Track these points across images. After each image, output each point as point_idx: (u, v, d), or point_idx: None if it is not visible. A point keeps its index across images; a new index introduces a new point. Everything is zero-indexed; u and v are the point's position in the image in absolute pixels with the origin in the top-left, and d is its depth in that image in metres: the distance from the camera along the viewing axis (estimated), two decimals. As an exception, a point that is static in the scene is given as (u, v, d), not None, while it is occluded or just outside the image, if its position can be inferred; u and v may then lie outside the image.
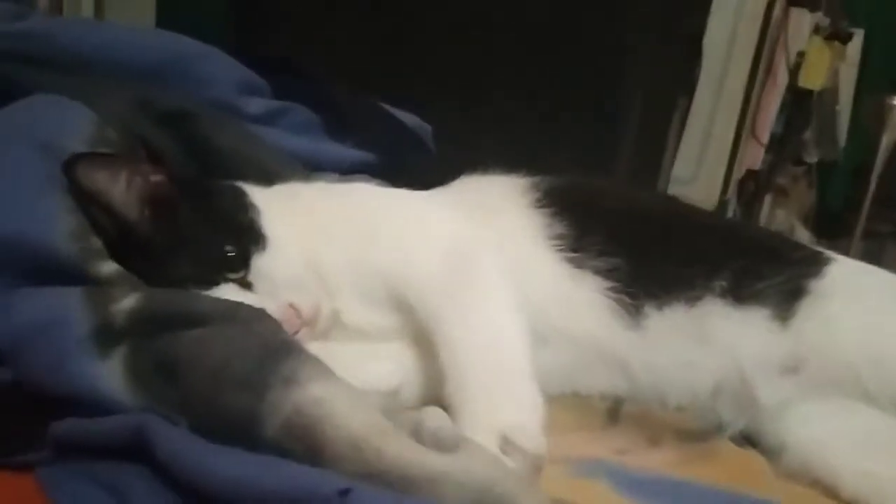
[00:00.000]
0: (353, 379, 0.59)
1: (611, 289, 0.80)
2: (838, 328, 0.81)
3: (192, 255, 0.70)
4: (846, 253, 0.92)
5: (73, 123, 0.75)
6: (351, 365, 0.66)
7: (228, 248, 0.71)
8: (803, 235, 3.08)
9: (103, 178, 0.68)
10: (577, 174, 0.92)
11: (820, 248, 0.92)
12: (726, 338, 0.80)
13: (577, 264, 0.81)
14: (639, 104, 1.55)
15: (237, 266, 0.71)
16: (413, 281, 0.74)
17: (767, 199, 2.91)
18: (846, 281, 0.85)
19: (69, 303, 0.60)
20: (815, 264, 0.86)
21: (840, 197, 3.14)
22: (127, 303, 0.61)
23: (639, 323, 0.80)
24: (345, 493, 0.46)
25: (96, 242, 0.67)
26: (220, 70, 1.07)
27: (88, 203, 0.68)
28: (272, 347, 0.57)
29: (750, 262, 0.83)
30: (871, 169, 2.87)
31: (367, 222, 0.80)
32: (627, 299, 0.80)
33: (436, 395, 0.71)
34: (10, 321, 0.61)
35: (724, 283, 0.81)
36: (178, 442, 0.53)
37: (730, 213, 2.63)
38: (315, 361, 0.57)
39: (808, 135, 2.79)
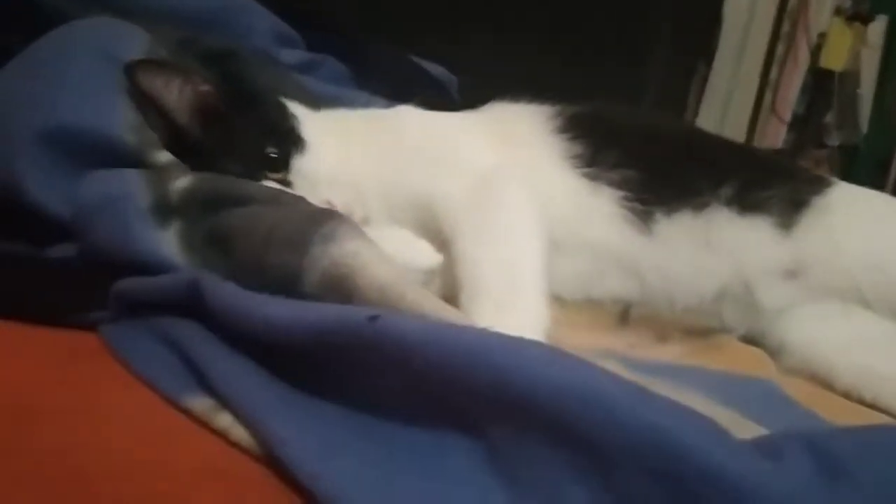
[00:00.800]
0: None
1: (624, 198, 0.85)
2: (839, 237, 0.85)
3: (236, 157, 0.77)
4: None
5: (131, 39, 0.81)
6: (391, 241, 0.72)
7: (270, 149, 0.78)
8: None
9: (159, 83, 0.75)
10: (599, 104, 0.95)
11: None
12: (731, 243, 0.85)
13: (593, 177, 0.86)
14: (659, 67, 1.59)
15: (278, 166, 0.78)
16: (441, 202, 0.79)
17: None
18: (848, 198, 0.90)
19: (131, 179, 0.67)
20: (819, 183, 0.91)
21: (862, 185, 3.14)
22: (181, 182, 0.68)
23: (649, 228, 0.85)
24: (374, 318, 0.50)
25: (153, 136, 0.74)
26: (258, 21, 1.13)
27: (145, 104, 0.75)
28: (315, 213, 0.64)
29: (756, 174, 0.88)
30: (893, 157, 2.89)
31: (405, 144, 0.86)
32: (639, 206, 0.85)
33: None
34: (78, 198, 0.68)
35: (730, 191, 0.86)
36: (227, 291, 0.59)
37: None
38: (352, 224, 0.62)
39: (829, 118, 2.80)
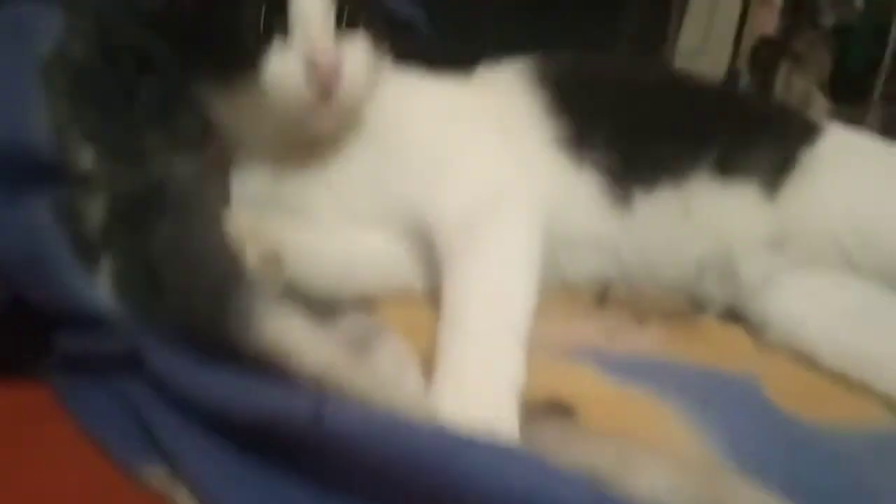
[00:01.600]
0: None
1: (605, 180, 0.81)
2: (824, 199, 0.82)
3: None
4: (865, 117, 0.92)
5: (40, 25, 0.73)
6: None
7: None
8: (822, 101, 3.03)
9: None
10: (578, 56, 0.91)
11: (813, 119, 0.92)
12: (711, 214, 0.82)
13: (578, 160, 0.81)
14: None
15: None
16: (438, 216, 0.74)
17: (783, 67, 2.84)
18: (836, 151, 0.85)
19: (47, 226, 0.61)
20: (805, 135, 0.86)
21: (859, 60, 3.05)
22: (95, 215, 0.62)
23: (629, 207, 0.82)
24: (320, 417, 0.47)
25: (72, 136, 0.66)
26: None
27: None
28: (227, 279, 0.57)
29: (739, 135, 0.84)
30: (890, 30, 2.79)
31: (405, 137, 0.79)
32: (619, 189, 0.81)
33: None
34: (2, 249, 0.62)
35: (712, 157, 0.82)
36: (168, 363, 0.56)
37: (742, 83, 2.58)
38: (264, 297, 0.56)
39: (822, -3, 2.69)
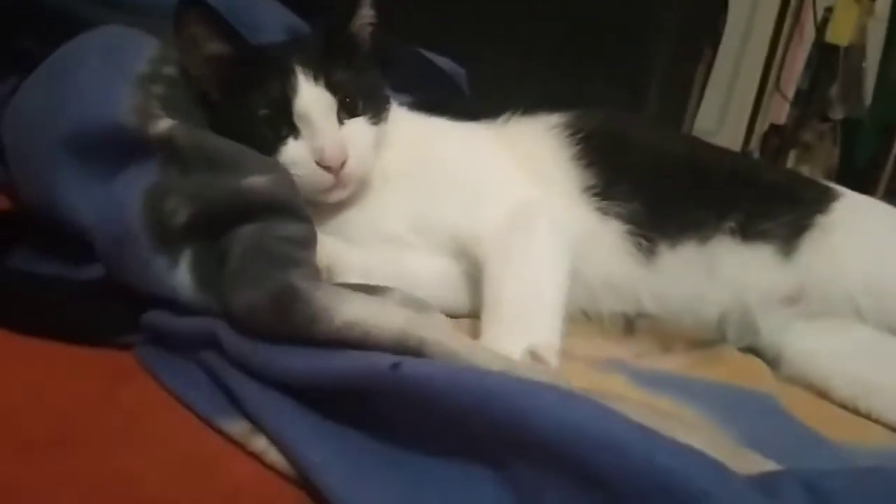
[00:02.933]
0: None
1: (630, 231, 0.87)
2: (839, 259, 0.87)
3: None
4: None
5: (138, 44, 0.83)
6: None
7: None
8: (827, 192, 3.11)
9: (199, 31, 0.78)
10: (611, 112, 0.98)
11: (831, 185, 0.97)
12: (733, 273, 0.87)
13: (604, 210, 0.88)
14: (665, 54, 1.60)
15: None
16: (475, 230, 0.83)
17: (792, 154, 2.95)
18: (851, 215, 0.91)
19: (137, 212, 0.70)
20: (823, 201, 0.92)
21: (865, 154, 3.16)
22: (181, 211, 0.70)
23: (652, 260, 0.87)
24: (396, 366, 0.54)
25: (153, 110, 0.75)
26: (268, 15, 1.15)
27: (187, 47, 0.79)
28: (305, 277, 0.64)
29: (760, 202, 0.89)
30: (896, 127, 2.90)
31: (445, 170, 0.89)
32: (644, 241, 0.87)
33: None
34: (98, 232, 0.72)
35: (734, 223, 0.88)
36: (244, 345, 0.62)
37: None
38: (331, 288, 0.63)
39: (833, 91, 2.80)
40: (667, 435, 0.47)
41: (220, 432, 0.60)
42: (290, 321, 0.61)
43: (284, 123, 0.79)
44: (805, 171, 3.06)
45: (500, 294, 0.76)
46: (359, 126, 0.83)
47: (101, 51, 0.82)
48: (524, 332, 0.72)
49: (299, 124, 0.79)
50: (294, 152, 0.79)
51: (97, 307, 0.72)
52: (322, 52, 0.82)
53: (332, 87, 0.80)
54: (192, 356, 0.67)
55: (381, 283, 0.75)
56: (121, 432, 0.59)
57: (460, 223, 0.85)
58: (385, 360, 0.54)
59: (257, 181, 0.71)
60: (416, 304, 0.63)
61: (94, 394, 0.63)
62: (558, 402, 0.49)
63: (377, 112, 0.85)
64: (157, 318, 0.70)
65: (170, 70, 0.82)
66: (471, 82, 1.36)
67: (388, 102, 0.89)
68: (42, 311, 0.71)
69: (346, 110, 0.82)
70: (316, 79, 0.79)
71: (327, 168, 0.79)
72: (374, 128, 0.84)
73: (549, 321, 0.74)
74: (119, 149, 0.74)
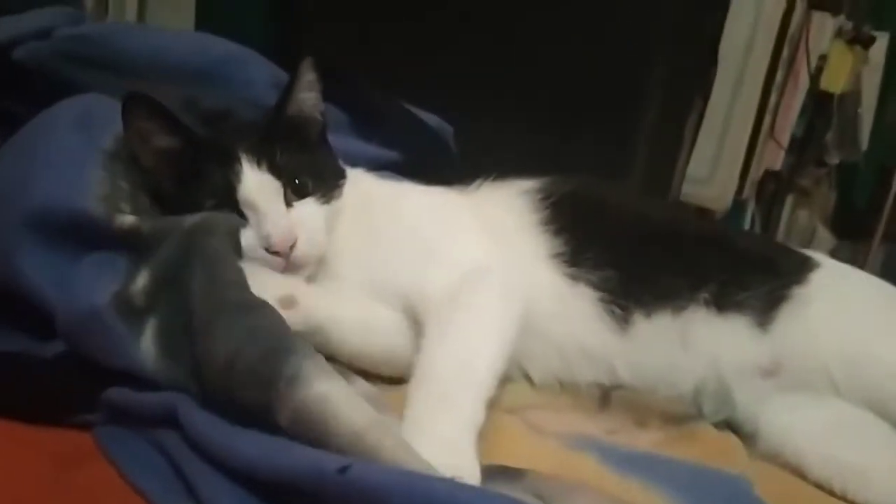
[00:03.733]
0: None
1: (602, 299, 0.87)
2: (815, 331, 0.86)
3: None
4: (867, 255, 0.95)
5: (108, 113, 0.82)
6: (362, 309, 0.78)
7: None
8: (825, 237, 3.12)
9: (146, 125, 0.79)
10: (585, 179, 0.98)
11: (809, 253, 0.97)
12: (708, 344, 0.86)
13: (574, 277, 0.87)
14: (656, 105, 1.60)
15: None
16: (422, 292, 0.81)
17: (789, 200, 2.95)
18: (828, 286, 0.90)
19: (106, 285, 0.70)
20: (800, 271, 0.91)
21: (863, 198, 3.17)
22: (140, 281, 0.70)
23: (626, 329, 0.86)
24: (344, 469, 0.53)
25: (119, 202, 0.77)
26: (257, 72, 1.16)
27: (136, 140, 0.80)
28: (275, 344, 0.63)
29: (736, 274, 0.89)
30: (893, 171, 2.91)
31: (402, 226, 0.89)
32: (617, 309, 0.86)
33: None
34: (63, 308, 0.71)
35: (708, 294, 0.87)
36: (200, 422, 0.62)
37: (748, 214, 2.67)
38: (316, 360, 0.62)
39: (829, 137, 2.81)
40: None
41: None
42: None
43: (232, 212, 0.79)
44: (803, 215, 3.07)
45: (431, 368, 0.73)
46: (308, 207, 0.82)
47: (73, 124, 0.83)
48: (447, 412, 0.69)
49: (246, 211, 0.79)
50: (243, 240, 0.78)
51: (55, 384, 0.71)
52: (265, 137, 0.82)
53: (275, 171, 0.80)
54: (151, 436, 0.66)
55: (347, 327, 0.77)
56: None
57: (410, 281, 0.83)
58: (334, 461, 0.53)
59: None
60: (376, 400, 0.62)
61: (46, 477, 0.62)
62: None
63: (328, 190, 0.84)
64: (117, 395, 0.69)
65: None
66: (458, 141, 1.36)
67: (341, 178, 0.88)
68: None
69: (295, 192, 0.81)
70: (259, 164, 0.79)
71: (276, 253, 0.78)
72: (325, 207, 0.84)
73: (473, 403, 0.70)
74: (86, 234, 0.74)
